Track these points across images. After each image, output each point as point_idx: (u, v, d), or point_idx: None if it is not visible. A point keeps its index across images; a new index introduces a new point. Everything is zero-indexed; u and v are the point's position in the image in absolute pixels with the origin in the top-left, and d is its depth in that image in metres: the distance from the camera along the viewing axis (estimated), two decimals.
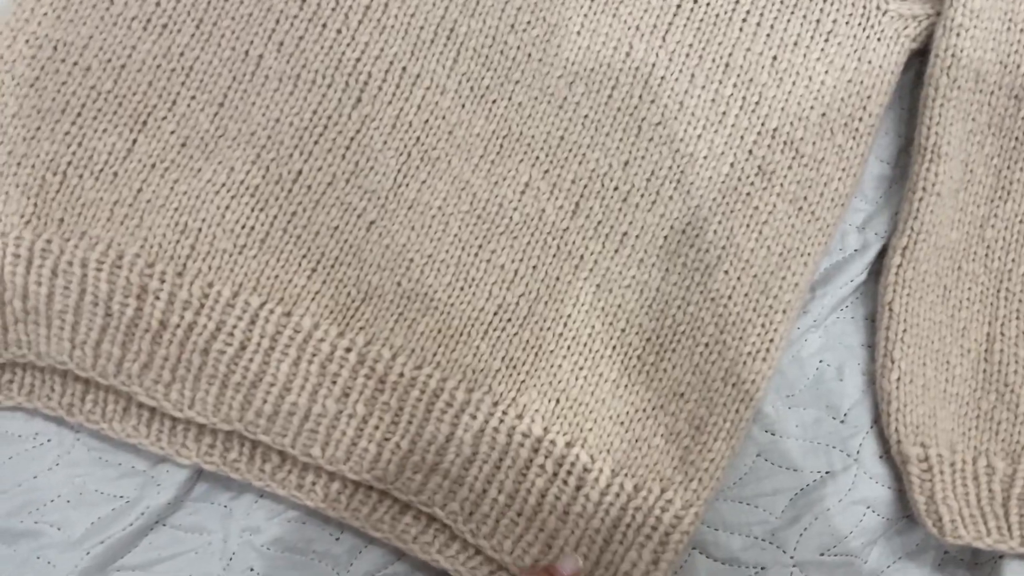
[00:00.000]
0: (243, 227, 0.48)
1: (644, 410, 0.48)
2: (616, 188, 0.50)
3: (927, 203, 0.48)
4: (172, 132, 0.49)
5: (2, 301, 0.47)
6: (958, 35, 0.48)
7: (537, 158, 0.50)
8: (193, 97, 0.49)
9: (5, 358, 0.48)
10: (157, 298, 0.46)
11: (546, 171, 0.50)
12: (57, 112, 0.48)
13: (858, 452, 0.48)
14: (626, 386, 0.48)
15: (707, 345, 0.48)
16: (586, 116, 0.51)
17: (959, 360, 0.48)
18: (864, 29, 0.51)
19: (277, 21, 0.50)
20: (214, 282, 0.47)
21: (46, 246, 0.47)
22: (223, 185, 0.48)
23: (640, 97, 0.51)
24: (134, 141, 0.48)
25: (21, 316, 0.47)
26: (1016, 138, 0.49)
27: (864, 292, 0.51)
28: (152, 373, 0.47)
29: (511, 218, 0.50)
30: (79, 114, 0.48)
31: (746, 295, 0.48)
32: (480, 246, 0.49)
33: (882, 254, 0.51)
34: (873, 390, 0.49)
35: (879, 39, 0.51)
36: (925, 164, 0.49)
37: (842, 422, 0.49)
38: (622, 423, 0.48)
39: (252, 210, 0.48)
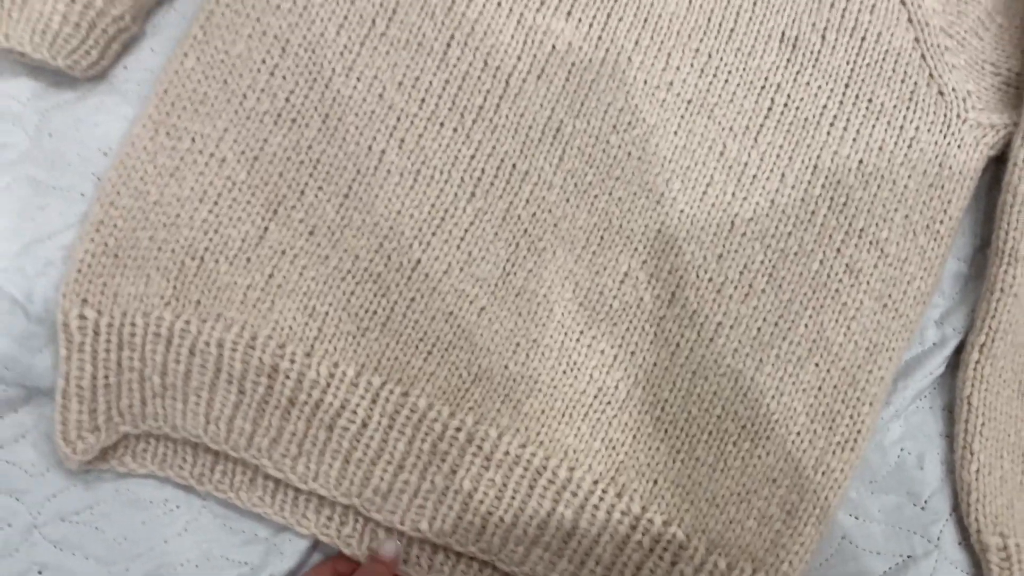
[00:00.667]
0: (366, 311, 0.52)
1: (738, 493, 0.51)
2: (711, 280, 0.53)
3: (1004, 304, 0.51)
4: (301, 221, 0.52)
5: (142, 377, 0.51)
6: None
7: (636, 249, 0.54)
8: (320, 188, 0.53)
9: (142, 429, 0.51)
10: (287, 377, 0.50)
11: (644, 262, 0.54)
12: (195, 200, 0.52)
13: (939, 538, 0.51)
14: (722, 470, 0.51)
15: (799, 434, 0.51)
16: (682, 211, 0.54)
17: None
18: (945, 136, 0.55)
19: (398, 119, 0.54)
20: (339, 362, 0.51)
21: (185, 326, 0.50)
22: (348, 272, 0.52)
23: (733, 194, 0.54)
24: (266, 228, 0.52)
25: (159, 391, 0.51)
26: None
27: (942, 384, 0.54)
28: (280, 447, 0.50)
29: (611, 306, 0.53)
30: (215, 203, 0.52)
31: (835, 387, 0.52)
32: (582, 332, 0.53)
33: (959, 348, 0.54)
34: (952, 479, 0.52)
35: (959, 146, 0.54)
36: (1003, 266, 0.52)
37: (923, 509, 0.52)
38: (717, 505, 0.51)
39: (375, 295, 0.52)
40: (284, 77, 0.54)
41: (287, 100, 0.54)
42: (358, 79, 0.54)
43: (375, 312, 0.52)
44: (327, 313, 0.51)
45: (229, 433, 0.50)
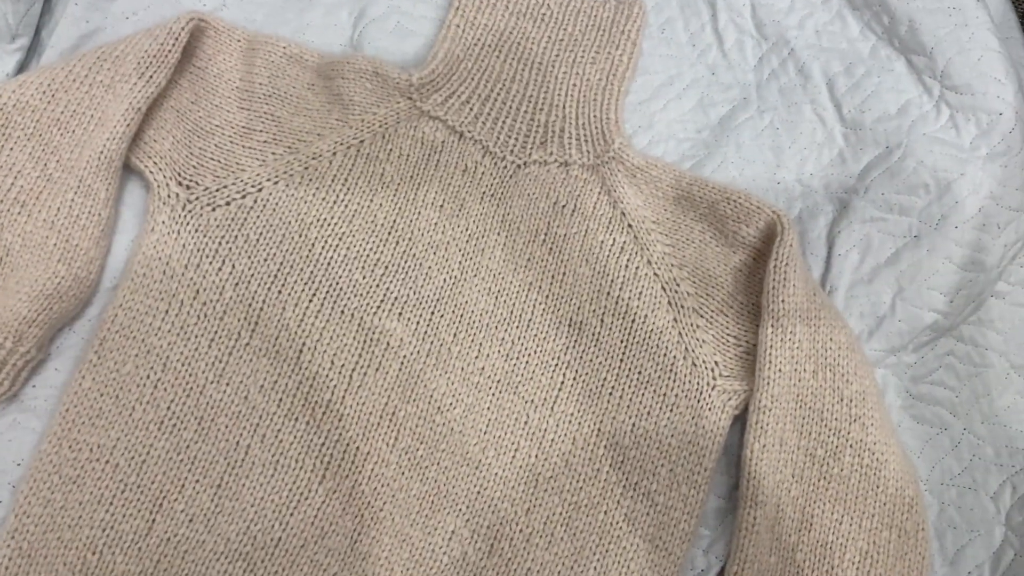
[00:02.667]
0: None
1: None
2: (521, 531, 0.66)
3: (749, 539, 0.65)
4: (182, 511, 0.64)
5: None
6: (763, 413, 0.66)
7: (460, 511, 0.66)
8: (197, 481, 0.65)
9: None
10: None
11: (467, 520, 0.66)
12: (94, 503, 0.63)
13: None
14: None
15: None
16: (496, 474, 0.67)
17: None
18: (698, 401, 0.69)
19: (260, 418, 0.66)
20: None
21: None
22: (222, 553, 0.63)
23: (536, 457, 0.68)
24: (153, 521, 0.64)
25: None
26: (813, 484, 0.66)
27: None
28: None
29: (441, 561, 0.65)
30: (111, 503, 0.63)
31: None
32: None
33: (721, 572, 0.67)
34: None
35: (710, 409, 0.69)
36: (747, 509, 0.65)
37: None
38: None
39: (244, 572, 0.63)
40: (165, 389, 0.66)
41: (168, 408, 0.66)
42: (227, 385, 0.67)
43: None
44: None
45: None
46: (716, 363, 0.70)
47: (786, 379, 0.66)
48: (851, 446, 0.66)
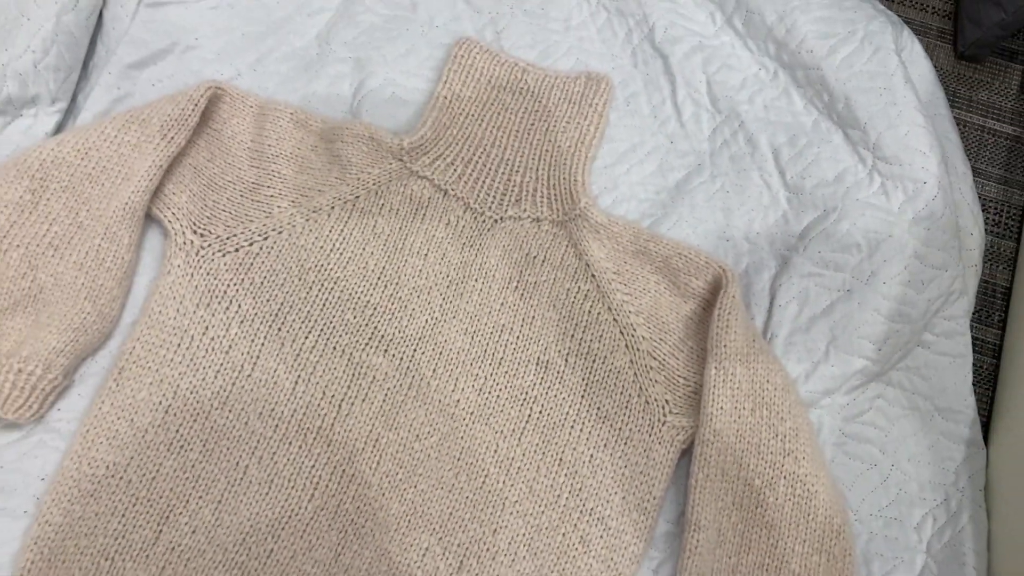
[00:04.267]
0: None
1: None
2: (488, 549, 0.74)
3: (692, 561, 0.72)
4: (186, 523, 0.72)
5: None
6: (706, 446, 0.74)
7: (434, 529, 0.74)
8: (200, 497, 0.73)
9: None
10: None
11: (440, 538, 0.74)
12: (108, 515, 0.71)
13: None
14: None
15: None
16: (468, 497, 0.75)
17: None
18: (650, 435, 0.77)
19: (258, 441, 0.74)
20: None
21: None
22: (220, 562, 0.71)
23: (503, 482, 0.75)
24: (160, 532, 0.71)
25: None
26: (750, 510, 0.73)
27: None
28: None
29: (416, 574, 0.73)
30: (123, 515, 0.71)
31: None
32: None
33: None
34: None
35: (660, 443, 0.76)
36: (690, 532, 0.73)
37: None
38: None
39: None
40: (175, 414, 0.74)
41: (177, 431, 0.74)
42: (230, 411, 0.75)
43: None
44: None
45: None
46: (667, 401, 0.78)
47: (727, 416, 0.74)
48: (785, 477, 0.73)
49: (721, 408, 0.74)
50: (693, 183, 0.87)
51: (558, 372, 0.79)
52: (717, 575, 0.72)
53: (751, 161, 0.87)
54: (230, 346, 0.77)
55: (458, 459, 0.76)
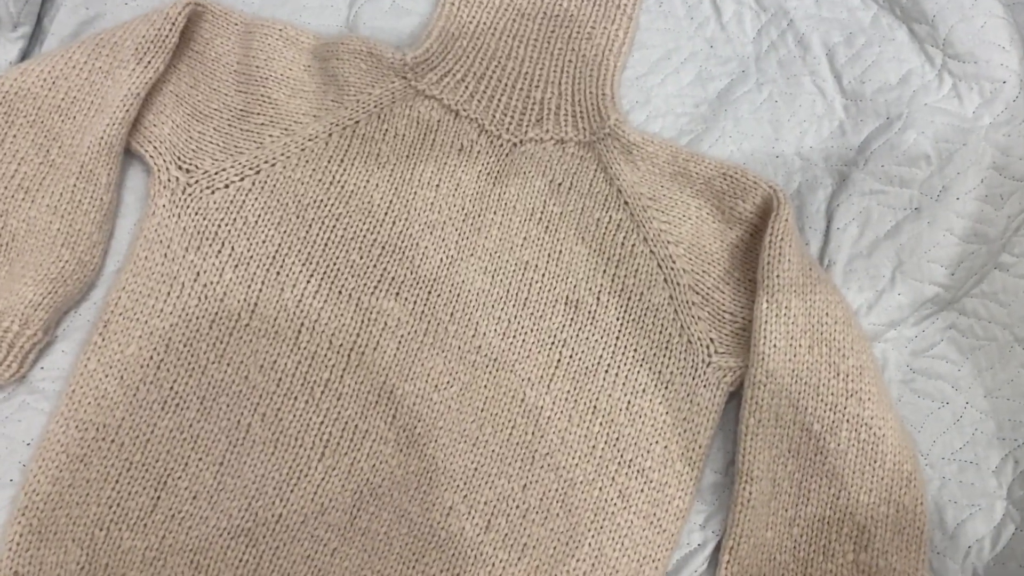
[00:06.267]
0: (240, 561, 0.65)
1: None
2: (518, 507, 0.67)
3: (744, 515, 0.65)
4: (185, 488, 0.66)
5: None
6: (758, 388, 0.66)
7: (458, 486, 0.67)
8: (200, 459, 0.66)
9: None
10: None
11: (465, 496, 0.67)
12: (100, 481, 0.65)
13: None
14: None
15: None
16: (493, 451, 0.68)
17: None
18: (693, 378, 0.69)
19: (260, 397, 0.67)
20: None
21: None
22: (224, 528, 0.65)
23: (532, 434, 0.68)
24: (158, 498, 0.65)
25: None
26: (809, 459, 0.66)
27: None
28: None
29: (440, 536, 0.66)
30: (117, 481, 0.65)
31: None
32: (417, 560, 0.66)
33: (718, 547, 0.67)
34: None
35: (705, 386, 0.69)
36: (742, 484, 0.66)
37: None
38: None
39: (246, 547, 0.65)
40: (168, 369, 0.67)
41: (171, 388, 0.67)
42: (228, 365, 0.68)
43: (247, 561, 0.65)
44: (209, 566, 0.64)
45: None
46: (711, 340, 0.70)
47: (781, 354, 0.66)
48: (847, 420, 0.65)
49: (774, 346, 0.66)
50: (736, 93, 0.77)
51: (589, 312, 0.70)
52: (772, 530, 0.65)
53: (802, 65, 0.77)
54: (225, 293, 0.69)
55: (482, 410, 0.68)
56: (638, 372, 0.69)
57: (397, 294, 0.70)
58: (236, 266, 0.70)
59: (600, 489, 0.67)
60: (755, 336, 0.67)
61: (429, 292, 0.70)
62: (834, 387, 0.66)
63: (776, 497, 0.66)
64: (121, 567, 0.64)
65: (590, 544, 0.66)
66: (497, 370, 0.69)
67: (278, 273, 0.70)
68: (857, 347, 0.67)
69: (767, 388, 0.66)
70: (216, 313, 0.69)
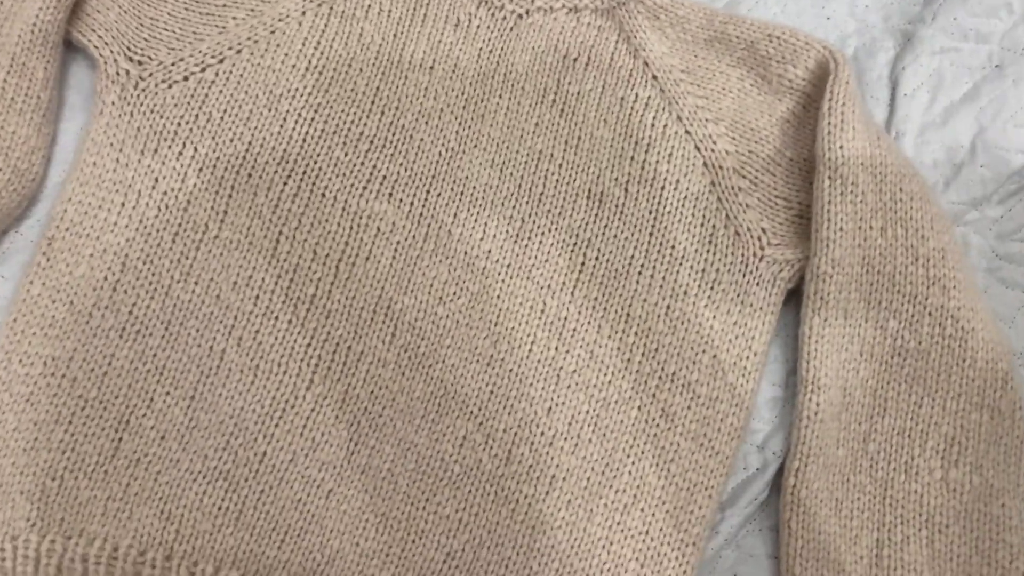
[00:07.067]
0: (219, 508, 0.55)
1: None
2: (543, 433, 0.57)
3: (812, 430, 0.55)
4: (152, 427, 0.56)
5: None
6: (823, 281, 0.56)
7: (472, 413, 0.57)
8: (168, 393, 0.57)
9: None
10: None
11: (480, 423, 0.57)
12: (51, 423, 0.56)
13: None
14: None
15: None
16: (511, 370, 0.58)
17: (853, 567, 0.54)
18: (744, 275, 0.59)
19: (235, 318, 0.58)
20: (198, 561, 0.54)
21: (50, 546, 0.54)
22: (199, 472, 0.55)
23: (556, 349, 0.58)
24: (120, 440, 0.56)
25: None
26: (886, 362, 0.56)
27: (769, 506, 0.58)
28: None
29: (452, 470, 0.57)
30: (70, 422, 0.56)
31: (660, 531, 0.55)
32: (427, 499, 0.56)
33: (781, 470, 0.58)
34: None
35: (758, 283, 0.59)
36: (807, 395, 0.56)
37: None
38: None
39: (226, 492, 0.55)
40: (126, 291, 0.58)
41: (130, 313, 0.58)
42: (195, 283, 0.58)
43: (227, 508, 0.55)
44: (183, 515, 0.55)
45: None
46: (763, 230, 0.59)
47: (849, 239, 0.56)
48: (930, 314, 0.56)
49: (841, 230, 0.56)
50: None
51: (616, 205, 0.60)
52: (845, 447, 0.56)
53: None
54: (188, 201, 0.59)
55: (495, 324, 0.58)
56: (677, 272, 0.59)
57: (390, 194, 0.60)
58: (200, 169, 0.60)
59: (639, 408, 0.57)
60: (816, 221, 0.57)
61: (427, 191, 0.60)
62: (912, 275, 0.56)
63: (848, 409, 0.56)
64: (79, 521, 0.54)
65: (630, 472, 0.56)
66: (511, 277, 0.59)
67: (249, 175, 0.60)
68: (938, 227, 0.57)
69: (833, 281, 0.56)
70: (179, 224, 0.59)
